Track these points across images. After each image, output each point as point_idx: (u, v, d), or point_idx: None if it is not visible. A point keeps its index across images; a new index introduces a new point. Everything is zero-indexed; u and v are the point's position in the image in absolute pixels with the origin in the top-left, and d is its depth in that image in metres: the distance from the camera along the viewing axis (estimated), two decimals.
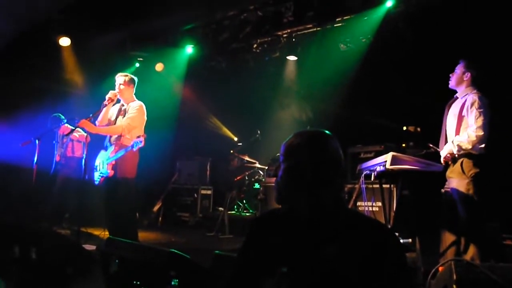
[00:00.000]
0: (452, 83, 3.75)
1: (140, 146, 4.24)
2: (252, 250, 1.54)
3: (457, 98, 3.72)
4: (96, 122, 4.65)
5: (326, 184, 1.44)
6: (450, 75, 3.76)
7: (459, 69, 3.70)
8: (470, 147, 3.37)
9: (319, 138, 1.50)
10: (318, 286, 1.34)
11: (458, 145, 3.43)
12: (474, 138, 3.34)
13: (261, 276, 1.43)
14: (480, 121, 3.37)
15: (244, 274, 1.51)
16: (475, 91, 3.57)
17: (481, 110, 3.41)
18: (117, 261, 2.22)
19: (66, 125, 6.10)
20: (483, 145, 3.41)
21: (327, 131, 1.53)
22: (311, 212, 1.45)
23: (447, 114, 3.74)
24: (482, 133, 3.34)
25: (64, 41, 7.40)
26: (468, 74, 3.63)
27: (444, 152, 3.58)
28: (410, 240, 5.11)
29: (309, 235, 1.42)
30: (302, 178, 1.44)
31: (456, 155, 3.47)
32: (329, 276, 1.33)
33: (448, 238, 3.55)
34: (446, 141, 3.68)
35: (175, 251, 2.06)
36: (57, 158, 6.32)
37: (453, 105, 3.71)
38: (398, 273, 1.34)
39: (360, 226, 1.41)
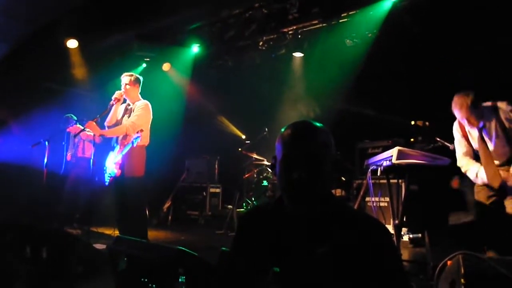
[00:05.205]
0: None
1: (139, 141, 4.24)
2: (241, 246, 1.48)
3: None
4: (105, 122, 4.68)
5: (310, 177, 1.32)
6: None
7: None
8: None
9: (305, 129, 1.38)
10: (311, 287, 1.28)
11: None
12: None
13: (252, 273, 1.36)
14: None
15: (235, 271, 1.45)
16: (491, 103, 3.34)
17: None
18: (125, 258, 2.24)
19: (76, 125, 6.16)
20: None
21: (318, 124, 1.41)
22: (296, 208, 1.37)
23: (480, 137, 3.35)
24: None
25: (72, 43, 7.47)
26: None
27: None
28: (419, 235, 5.10)
29: (298, 233, 1.35)
30: (282, 169, 1.36)
31: None
32: (321, 277, 1.27)
33: None
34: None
35: (183, 248, 2.08)
36: (68, 157, 6.39)
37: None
38: (394, 274, 1.29)
39: (354, 224, 1.32)
